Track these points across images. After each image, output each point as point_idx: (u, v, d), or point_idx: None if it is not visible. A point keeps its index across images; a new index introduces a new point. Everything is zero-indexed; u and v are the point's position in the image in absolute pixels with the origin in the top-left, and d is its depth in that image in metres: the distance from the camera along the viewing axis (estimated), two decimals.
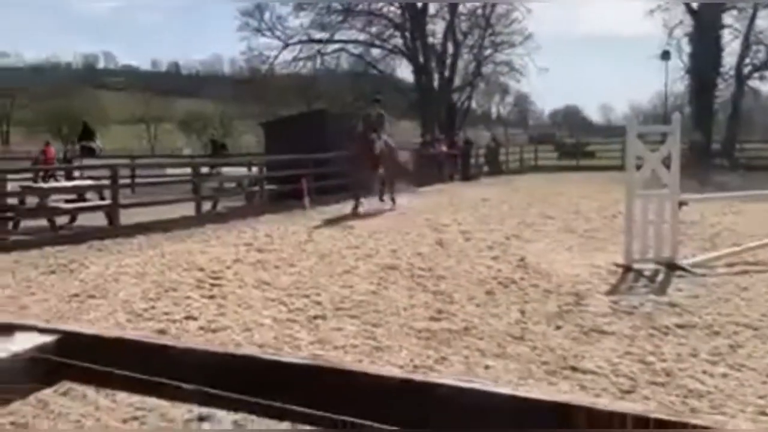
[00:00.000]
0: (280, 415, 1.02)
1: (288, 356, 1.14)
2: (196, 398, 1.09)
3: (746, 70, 33.83)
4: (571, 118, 75.31)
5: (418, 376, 1.13)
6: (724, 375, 4.20)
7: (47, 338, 1.20)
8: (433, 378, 1.12)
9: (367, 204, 13.64)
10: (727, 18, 32.65)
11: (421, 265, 7.73)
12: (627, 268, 7.41)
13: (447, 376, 1.16)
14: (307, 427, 1.05)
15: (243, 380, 1.07)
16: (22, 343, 1.18)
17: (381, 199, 14.27)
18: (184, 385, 1.03)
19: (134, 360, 1.12)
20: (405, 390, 1.03)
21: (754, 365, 4.36)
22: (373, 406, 1.01)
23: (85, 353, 1.15)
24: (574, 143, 40.25)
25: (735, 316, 5.51)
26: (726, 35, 32.98)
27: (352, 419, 0.99)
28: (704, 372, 4.24)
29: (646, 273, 7.28)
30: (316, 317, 5.61)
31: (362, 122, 13.56)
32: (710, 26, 31.50)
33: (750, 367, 4.32)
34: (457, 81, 38.35)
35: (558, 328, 5.26)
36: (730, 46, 33.29)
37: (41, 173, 14.00)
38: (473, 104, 43.46)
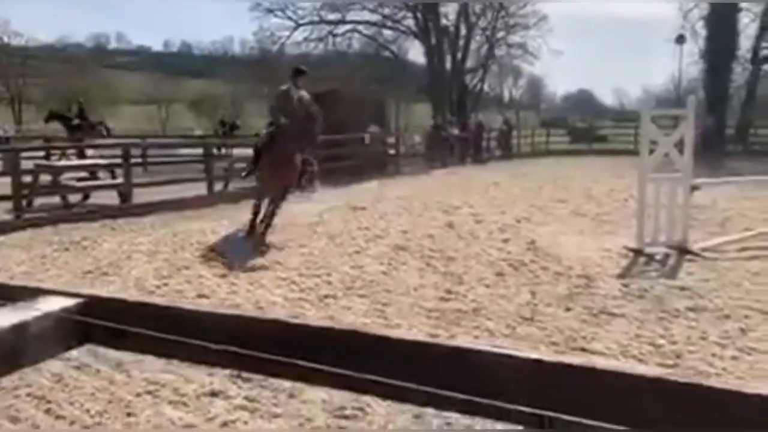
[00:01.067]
0: (307, 378, 1.04)
1: (310, 319, 1.16)
2: (222, 360, 1.11)
3: (762, 54, 33.32)
4: (584, 102, 74.66)
5: (444, 341, 1.15)
6: (734, 358, 4.22)
7: (71, 301, 1.24)
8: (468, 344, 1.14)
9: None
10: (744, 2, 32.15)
11: (431, 246, 7.75)
12: (638, 252, 7.40)
13: (481, 343, 1.17)
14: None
15: (274, 343, 1.09)
16: (49, 305, 1.21)
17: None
18: (211, 345, 1.05)
19: (157, 323, 1.15)
20: (434, 354, 1.05)
21: (765, 349, 4.37)
22: (403, 367, 1.03)
23: (108, 316, 1.18)
24: (587, 127, 39.93)
25: (745, 300, 5.50)
26: (743, 18, 32.51)
27: (389, 380, 1.00)
28: (714, 355, 4.26)
29: (657, 257, 7.27)
30: (326, 296, 5.66)
31: (276, 104, 8.63)
32: (727, 10, 31.02)
33: (760, 351, 4.33)
34: (470, 63, 38.07)
35: (568, 309, 5.28)
36: (746, 31, 32.82)
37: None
38: (485, 87, 43.14)
